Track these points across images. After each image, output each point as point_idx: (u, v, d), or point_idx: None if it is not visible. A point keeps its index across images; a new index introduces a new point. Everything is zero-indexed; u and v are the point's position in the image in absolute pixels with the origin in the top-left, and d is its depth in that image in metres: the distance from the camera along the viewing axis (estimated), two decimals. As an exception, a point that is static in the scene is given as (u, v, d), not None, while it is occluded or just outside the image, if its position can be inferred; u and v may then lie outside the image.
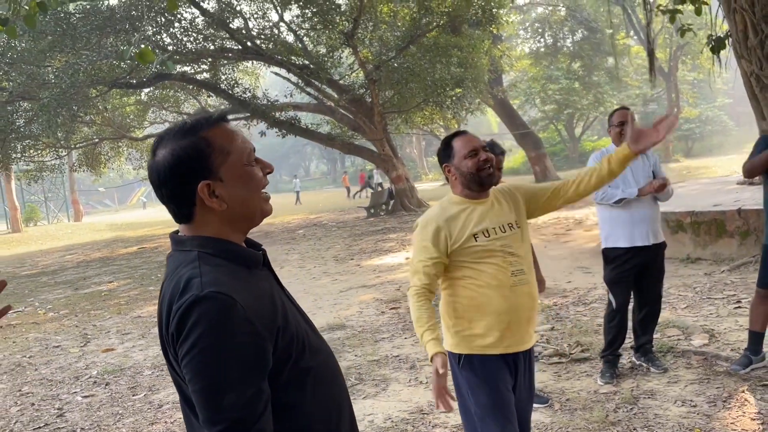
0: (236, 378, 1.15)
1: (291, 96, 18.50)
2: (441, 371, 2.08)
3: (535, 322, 2.40)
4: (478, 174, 2.31)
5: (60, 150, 19.31)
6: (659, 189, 3.76)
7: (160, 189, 1.27)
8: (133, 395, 4.87)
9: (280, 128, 17.97)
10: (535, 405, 3.46)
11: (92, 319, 8.16)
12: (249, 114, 17.69)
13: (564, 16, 30.81)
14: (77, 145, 20.26)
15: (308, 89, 18.37)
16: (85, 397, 4.97)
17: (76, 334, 7.28)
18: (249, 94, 17.54)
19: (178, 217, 1.29)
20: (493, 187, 2.43)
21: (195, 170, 1.24)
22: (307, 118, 20.28)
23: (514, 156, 33.77)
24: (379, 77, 16.68)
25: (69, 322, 8.16)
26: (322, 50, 17.42)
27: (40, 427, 4.39)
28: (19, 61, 14.59)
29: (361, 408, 4.02)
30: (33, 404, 4.93)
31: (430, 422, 3.67)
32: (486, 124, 43.90)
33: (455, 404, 2.29)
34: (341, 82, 18.69)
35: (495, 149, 3.51)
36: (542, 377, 4.13)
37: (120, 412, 4.53)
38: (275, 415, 1.22)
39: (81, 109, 15.79)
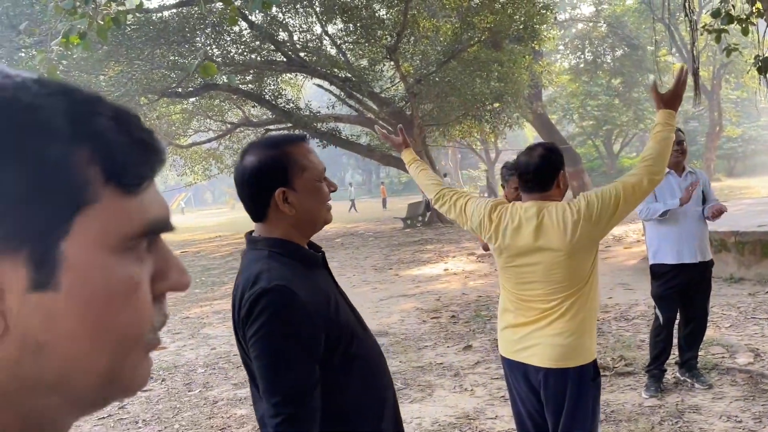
0: (292, 358, 1.37)
1: (333, 108, 18.86)
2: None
3: None
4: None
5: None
6: (716, 215, 3.85)
7: (243, 188, 1.50)
8: (189, 391, 5.11)
9: (322, 139, 18.31)
10: None
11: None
12: (291, 124, 18.08)
13: (605, 32, 30.68)
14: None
15: (349, 101, 18.70)
16: (144, 391, 5.23)
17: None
18: (292, 105, 17.95)
19: (254, 214, 1.52)
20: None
21: (274, 178, 1.47)
22: (346, 130, 20.61)
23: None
24: (420, 91, 16.91)
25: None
26: (364, 63, 17.74)
27: (103, 417, 4.66)
28: (75, 69, 15.23)
29: (408, 411, 4.18)
30: (94, 396, 5.21)
31: (476, 427, 3.81)
32: (524, 139, 43.76)
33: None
34: (382, 95, 18.97)
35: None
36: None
37: (178, 406, 4.77)
38: (323, 395, 1.41)
39: (130, 116, 16.36)
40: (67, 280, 0.40)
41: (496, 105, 17.52)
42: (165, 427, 4.31)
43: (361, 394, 1.50)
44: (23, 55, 14.31)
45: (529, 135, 42.89)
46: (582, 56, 32.98)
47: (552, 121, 27.49)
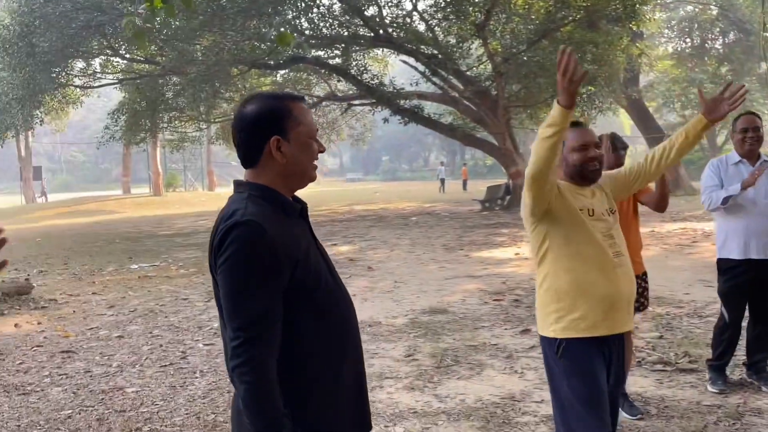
0: (255, 287, 1.45)
1: (416, 85, 18.74)
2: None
3: (632, 307, 2.41)
4: (582, 168, 2.37)
5: (201, 123, 20.89)
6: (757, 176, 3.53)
7: (240, 133, 1.58)
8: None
9: (403, 116, 18.27)
10: (625, 414, 3.42)
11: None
12: (375, 100, 18.14)
13: (715, 16, 28.64)
14: (216, 120, 21.80)
15: (434, 79, 18.50)
16: (206, 345, 5.47)
17: (202, 291, 7.96)
18: (376, 81, 17.98)
19: (245, 160, 1.59)
20: None
21: (272, 126, 1.55)
22: (430, 108, 20.44)
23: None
24: (507, 70, 16.48)
25: (197, 279, 8.92)
26: (452, 40, 17.45)
27: (165, 366, 4.91)
28: (173, 38, 15.92)
29: (453, 387, 4.14)
30: (161, 346, 5.50)
31: (520, 409, 3.72)
32: (617, 125, 41.82)
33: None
34: (468, 73, 18.66)
35: (617, 143, 3.47)
36: (643, 383, 4.03)
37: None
38: (284, 332, 1.48)
39: (222, 86, 16.99)
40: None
41: (589, 88, 16.80)
42: (219, 379, 4.49)
43: (321, 340, 1.55)
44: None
45: (624, 122, 40.99)
46: (688, 40, 31.02)
47: (650, 109, 26.12)
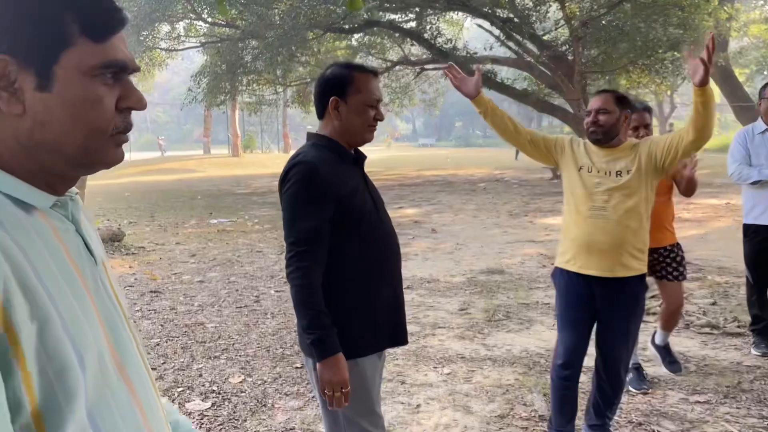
0: (306, 213, 1.78)
1: (491, 49, 18.52)
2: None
3: (615, 257, 2.60)
4: (587, 130, 2.70)
5: (278, 86, 21.47)
6: None
7: (315, 90, 1.93)
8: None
9: (476, 81, 18.12)
10: (665, 370, 3.58)
11: (288, 235, 9.40)
12: (447, 65, 18.09)
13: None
14: (292, 83, 22.34)
15: (509, 43, 18.22)
16: (277, 291, 5.94)
17: (275, 244, 8.49)
18: (450, 45, 17.90)
19: (317, 112, 1.93)
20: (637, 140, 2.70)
21: (335, 88, 1.87)
22: (504, 73, 20.17)
23: (733, 131, 30.39)
24: (585, 35, 16.02)
25: (270, 234, 9.48)
26: (529, 3, 17.09)
27: (240, 307, 5.41)
28: (252, 3, 16.41)
29: (501, 338, 4.40)
30: (237, 290, 6.02)
31: (563, 361, 3.94)
32: (704, 94, 39.58)
33: None
34: (544, 37, 18.24)
35: (635, 106, 3.50)
36: (688, 343, 4.16)
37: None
38: (330, 252, 1.80)
39: (299, 49, 17.39)
40: (57, 88, 0.73)
41: (673, 54, 16.12)
42: (288, 320, 4.93)
43: (362, 264, 1.86)
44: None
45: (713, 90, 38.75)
46: (788, 3, 28.89)
47: (739, 77, 24.70)
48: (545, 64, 17.72)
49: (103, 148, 0.77)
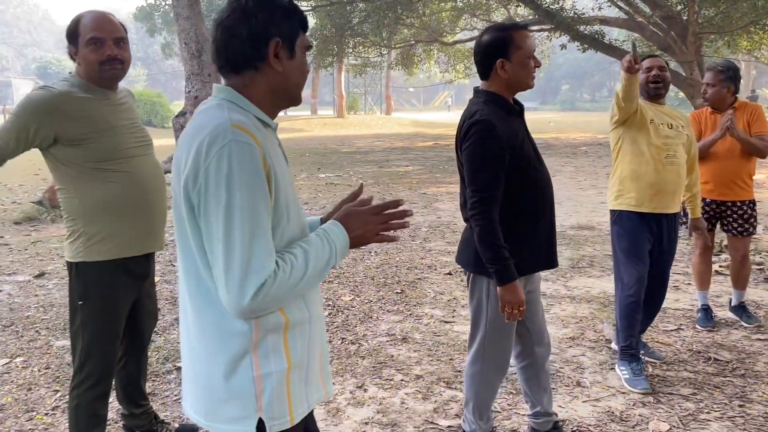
0: (486, 165, 2.13)
1: (600, 9, 18.06)
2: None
3: (678, 196, 3.11)
4: (647, 86, 3.12)
5: (382, 48, 22.03)
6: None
7: (477, 56, 2.23)
8: (412, 240, 6.36)
9: (582, 42, 17.79)
10: (744, 323, 3.85)
11: (390, 190, 10.09)
12: (553, 26, 17.84)
13: None
14: (396, 46, 22.83)
15: (619, 2, 17.69)
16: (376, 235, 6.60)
17: (377, 198, 9.19)
18: (557, 6, 17.63)
19: (481, 74, 2.24)
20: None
21: (498, 50, 2.17)
22: (613, 34, 19.57)
23: None
24: (702, -7, 15.29)
25: (373, 189, 10.19)
26: (642, -40, 16.48)
27: (336, 276, 6.12)
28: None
29: (582, 282, 4.84)
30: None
31: (637, 302, 4.32)
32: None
33: None
34: (657, -4, 17.51)
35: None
36: (762, 294, 4.40)
37: (400, 249, 6.04)
38: (503, 195, 2.15)
39: (404, 12, 17.80)
40: (296, 57, 1.36)
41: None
42: (389, 258, 5.58)
43: (526, 202, 2.22)
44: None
45: None
46: None
47: None
48: (657, 24, 17.09)
49: (301, 91, 1.40)
